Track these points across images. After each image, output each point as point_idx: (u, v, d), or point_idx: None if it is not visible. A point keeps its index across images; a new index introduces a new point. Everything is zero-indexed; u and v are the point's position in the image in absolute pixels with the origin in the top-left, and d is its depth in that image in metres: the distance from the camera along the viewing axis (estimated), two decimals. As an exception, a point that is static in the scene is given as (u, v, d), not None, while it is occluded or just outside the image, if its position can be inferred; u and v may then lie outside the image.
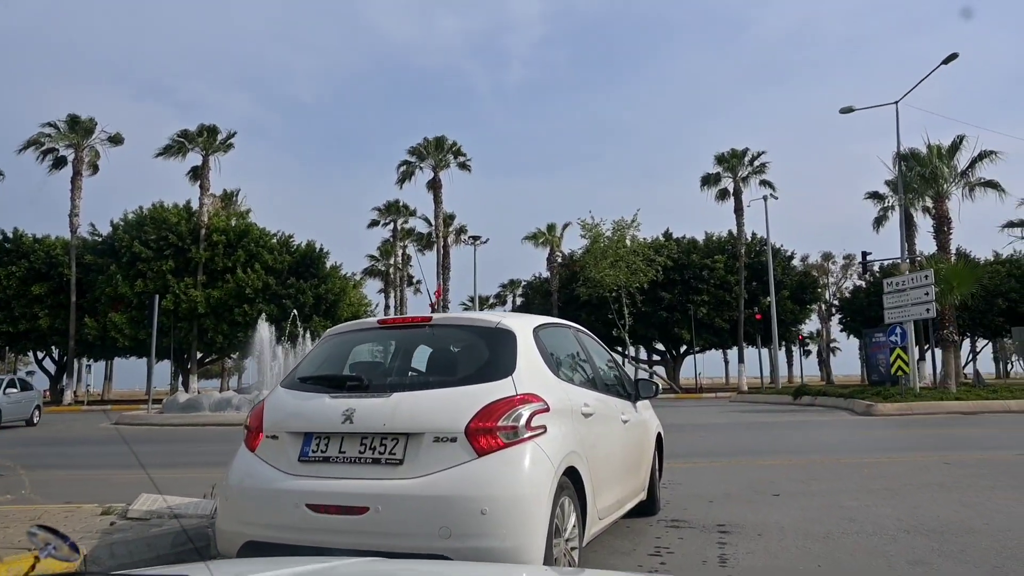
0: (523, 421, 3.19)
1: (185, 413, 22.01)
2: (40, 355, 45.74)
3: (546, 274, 50.65)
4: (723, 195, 43.45)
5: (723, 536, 4.93)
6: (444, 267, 48.23)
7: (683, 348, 48.08)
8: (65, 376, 41.04)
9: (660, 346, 48.86)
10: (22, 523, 5.64)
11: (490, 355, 3.50)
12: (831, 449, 10.72)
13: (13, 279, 38.78)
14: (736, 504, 6.12)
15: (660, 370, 48.44)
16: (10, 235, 40.63)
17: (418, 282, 57.29)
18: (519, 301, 55.81)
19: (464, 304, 55.57)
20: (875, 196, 32.85)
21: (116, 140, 40.78)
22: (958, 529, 4.98)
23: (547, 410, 3.35)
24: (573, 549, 3.52)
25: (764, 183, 41.89)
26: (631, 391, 5.35)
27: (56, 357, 45.01)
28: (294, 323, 29.87)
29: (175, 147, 40.57)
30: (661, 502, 5.92)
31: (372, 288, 58.01)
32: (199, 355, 41.86)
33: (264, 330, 26.29)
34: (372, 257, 58.66)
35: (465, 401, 3.20)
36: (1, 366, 53.96)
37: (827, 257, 65.69)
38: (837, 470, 8.21)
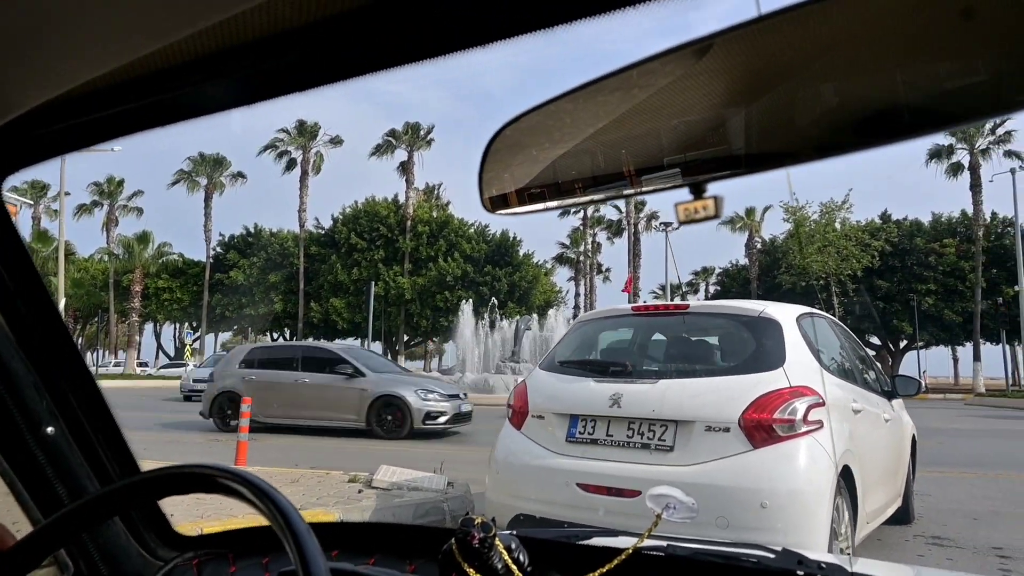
0: (800, 415, 3.04)
1: (398, 391, 23.81)
2: (275, 336, 52.01)
3: (744, 261, 48.26)
4: (956, 170, 38.40)
5: (1005, 563, 4.33)
6: (635, 254, 47.77)
7: (903, 343, 43.44)
8: (295, 354, 46.45)
9: (875, 340, 44.51)
10: (283, 484, 6.31)
11: (757, 345, 3.36)
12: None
13: (254, 268, 44.46)
14: (1011, 525, 5.38)
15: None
16: (252, 230, 46.60)
17: (607, 270, 57.27)
18: (713, 289, 53.71)
19: (654, 292, 54.63)
20: None
21: (336, 141, 45.22)
22: None
23: (822, 404, 3.16)
24: (846, 553, 3.30)
25: (1010, 154, 36.29)
26: (886, 387, 4.93)
27: (286, 337, 50.91)
28: (493, 310, 31.26)
29: (384, 145, 44.12)
30: (914, 516, 5.42)
31: (562, 276, 58.87)
32: (406, 338, 45.25)
33: (467, 315, 27.79)
34: (562, 245, 59.39)
35: (736, 391, 3.11)
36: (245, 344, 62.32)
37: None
38: None
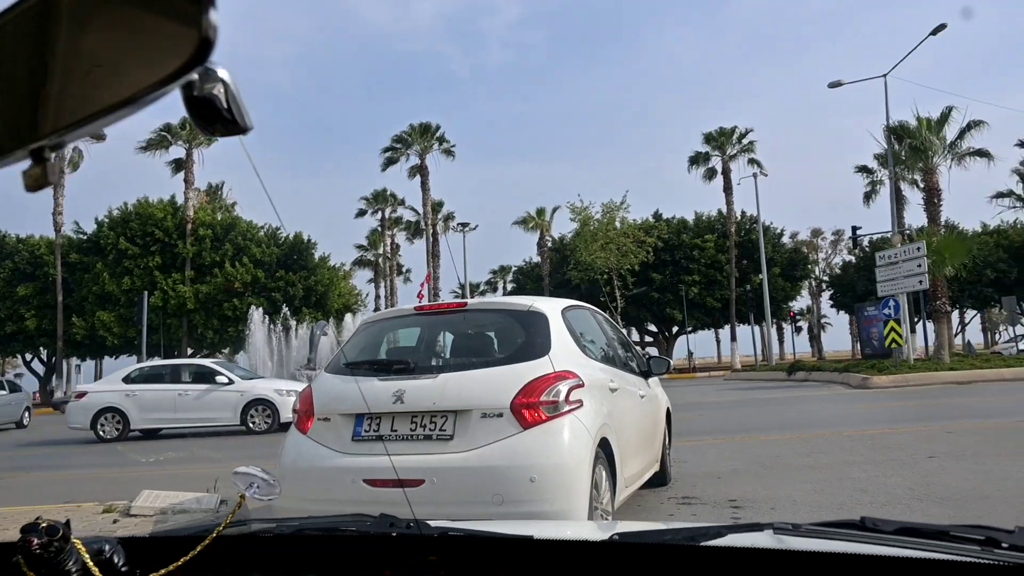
0: (563, 396, 3.40)
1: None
2: (28, 357, 45.37)
3: (537, 259, 50.79)
4: (711, 174, 43.68)
5: (736, 511, 5.04)
6: (434, 255, 48.26)
7: (675, 328, 48.54)
8: (55, 377, 40.83)
9: (652, 327, 49.28)
10: (20, 524, 5.56)
11: (526, 336, 3.70)
12: (832, 422, 10.90)
13: (-1, 281, 38.45)
14: (745, 480, 6.26)
15: (653, 351, 48.87)
16: (-8, 236, 40.22)
17: (408, 271, 57.37)
18: (510, 287, 56.00)
19: (454, 292, 55.74)
20: (864, 170, 32.74)
21: (97, 137, 40.34)
22: (972, 496, 5.07)
23: (582, 385, 3.55)
24: (607, 514, 3.74)
25: (753, 161, 42.04)
26: (643, 368, 5.58)
27: (44, 358, 44.67)
28: (285, 317, 29.95)
29: (158, 141, 40.17)
30: (671, 478, 6.13)
31: (362, 278, 57.91)
32: (190, 351, 41.67)
33: (258, 323, 26.36)
34: (361, 247, 58.46)
35: (508, 379, 3.40)
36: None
37: (816, 233, 66.40)
38: (841, 443, 8.34)
